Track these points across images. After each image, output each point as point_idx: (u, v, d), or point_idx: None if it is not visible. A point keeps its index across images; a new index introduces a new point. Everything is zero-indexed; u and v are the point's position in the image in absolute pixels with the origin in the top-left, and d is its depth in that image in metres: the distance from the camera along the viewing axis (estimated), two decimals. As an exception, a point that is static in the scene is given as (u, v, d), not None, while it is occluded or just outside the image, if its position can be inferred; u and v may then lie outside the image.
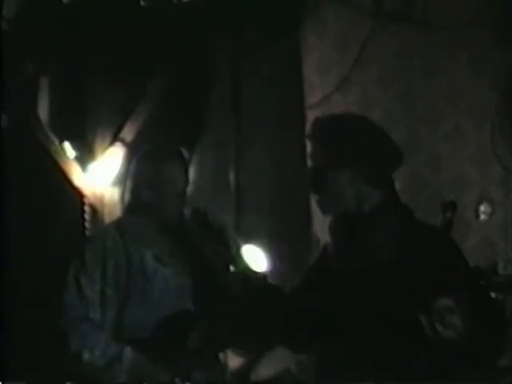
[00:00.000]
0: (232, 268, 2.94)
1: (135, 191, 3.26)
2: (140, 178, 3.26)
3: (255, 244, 3.77)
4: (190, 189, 3.31)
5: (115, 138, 4.92)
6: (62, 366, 3.16)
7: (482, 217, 4.89)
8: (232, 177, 5.20)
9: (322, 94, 5.20)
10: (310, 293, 2.71)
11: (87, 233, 4.65)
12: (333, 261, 2.70)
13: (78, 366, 3.06)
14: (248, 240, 3.62)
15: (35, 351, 3.93)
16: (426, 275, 2.42)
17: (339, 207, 2.66)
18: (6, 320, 3.51)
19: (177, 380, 3.05)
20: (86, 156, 4.84)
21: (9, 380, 3.02)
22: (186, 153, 3.32)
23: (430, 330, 2.33)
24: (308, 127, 2.75)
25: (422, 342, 2.43)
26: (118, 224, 3.29)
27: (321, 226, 4.68)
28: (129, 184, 3.29)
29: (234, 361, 3.82)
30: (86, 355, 3.04)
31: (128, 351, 3.06)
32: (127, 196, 3.30)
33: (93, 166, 4.85)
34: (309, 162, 2.73)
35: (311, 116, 5.03)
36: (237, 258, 2.91)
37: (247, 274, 2.83)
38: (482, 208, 4.90)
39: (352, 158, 2.61)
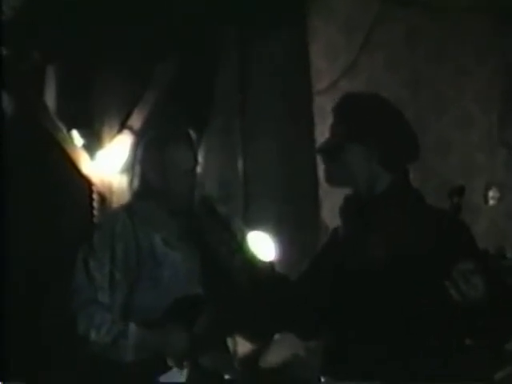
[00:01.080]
0: (238, 256, 2.94)
1: (143, 177, 3.27)
2: (147, 162, 3.26)
3: (263, 231, 3.77)
4: (198, 172, 3.32)
5: (123, 126, 4.92)
6: (70, 349, 3.17)
7: (491, 202, 4.89)
8: (240, 164, 5.20)
9: (329, 79, 5.20)
10: (318, 278, 2.72)
11: (96, 220, 4.65)
12: (342, 244, 2.71)
13: (86, 347, 3.07)
14: (256, 227, 3.62)
15: (35, 351, 3.92)
16: (438, 258, 2.42)
17: (346, 179, 2.68)
18: (6, 320, 3.51)
19: (185, 364, 3.07)
20: (94, 144, 4.84)
21: (9, 380, 3.02)
22: (193, 134, 3.33)
23: (455, 291, 2.33)
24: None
25: (434, 324, 2.45)
26: (127, 208, 3.30)
27: (329, 212, 4.68)
28: (137, 170, 3.30)
29: (242, 347, 3.83)
30: (93, 334, 3.05)
31: (133, 327, 3.06)
32: (135, 182, 3.30)
33: (101, 154, 4.85)
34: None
35: (318, 102, 5.03)
36: (243, 247, 2.91)
37: (253, 263, 2.83)
38: (491, 193, 4.90)
39: (370, 135, 2.63)
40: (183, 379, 3.05)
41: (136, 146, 3.57)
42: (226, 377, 3.13)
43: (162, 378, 3.03)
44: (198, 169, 3.33)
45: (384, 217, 2.61)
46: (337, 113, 2.72)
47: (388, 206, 2.62)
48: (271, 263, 2.83)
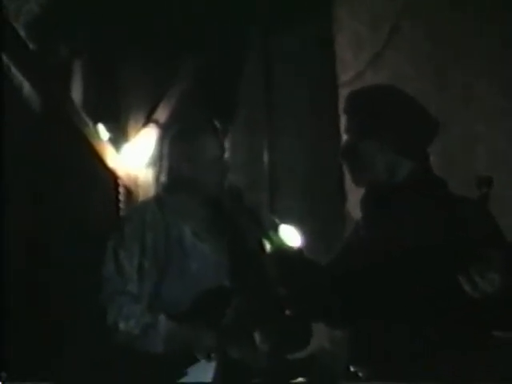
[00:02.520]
0: (266, 245, 2.95)
1: (171, 169, 3.27)
2: (176, 155, 3.27)
3: (289, 222, 3.78)
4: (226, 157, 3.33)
5: (148, 119, 4.95)
6: (100, 337, 3.19)
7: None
8: (266, 156, 5.21)
9: (354, 71, 5.18)
10: (342, 270, 2.72)
11: (122, 214, 4.67)
12: (365, 235, 2.71)
13: (115, 336, 3.07)
14: (282, 219, 3.63)
15: (35, 351, 3.94)
16: (459, 244, 2.40)
17: (369, 176, 2.67)
18: (6, 320, 3.52)
19: (212, 355, 3.08)
20: (119, 138, 4.87)
21: (9, 380, 3.03)
22: (217, 123, 3.34)
23: (469, 286, 2.30)
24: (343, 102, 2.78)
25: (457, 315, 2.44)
26: (157, 198, 3.30)
27: (355, 204, 4.67)
28: (164, 164, 3.30)
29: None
30: (122, 325, 3.05)
31: (162, 319, 3.07)
32: (163, 176, 3.31)
33: (127, 148, 4.87)
34: (343, 135, 2.75)
35: (344, 94, 5.02)
36: (271, 235, 2.92)
37: (283, 250, 2.84)
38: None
39: (381, 128, 2.63)
40: (211, 371, 3.06)
41: (162, 140, 3.59)
42: (254, 368, 3.14)
43: (191, 370, 3.05)
44: (226, 156, 3.34)
45: (404, 207, 2.60)
46: (346, 112, 2.72)
47: (408, 195, 2.61)
48: (300, 250, 2.84)
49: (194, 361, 3.06)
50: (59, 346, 3.89)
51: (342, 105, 4.91)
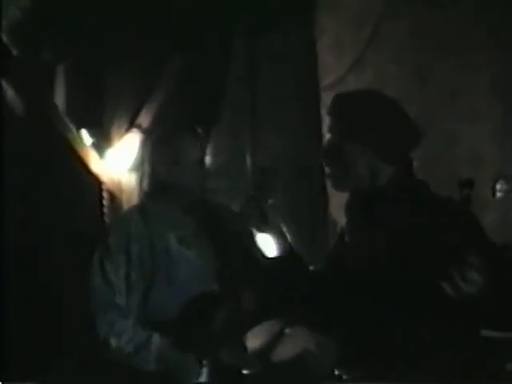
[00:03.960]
0: (255, 248, 2.96)
1: (154, 174, 3.28)
2: (156, 159, 3.28)
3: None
4: (208, 162, 3.33)
5: (132, 124, 4.94)
6: (89, 353, 3.19)
7: (499, 195, 4.85)
8: (248, 159, 5.21)
9: (336, 74, 5.19)
10: (332, 273, 2.73)
11: (106, 219, 4.68)
12: (350, 240, 2.72)
13: (106, 353, 3.09)
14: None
15: (35, 351, 3.94)
16: (443, 246, 2.42)
17: (351, 181, 2.69)
18: (6, 320, 3.52)
19: (204, 362, 3.08)
20: (103, 143, 4.86)
21: (9, 380, 3.03)
22: (198, 129, 3.35)
23: (451, 289, 2.33)
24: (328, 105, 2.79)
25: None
26: (141, 208, 3.31)
27: (337, 207, 4.68)
28: (146, 169, 3.31)
29: (253, 342, 3.84)
30: (114, 342, 3.07)
31: (156, 338, 3.08)
32: (146, 181, 3.31)
33: (110, 153, 4.87)
34: (326, 138, 2.77)
35: (326, 97, 5.03)
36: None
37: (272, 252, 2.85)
38: (499, 186, 4.86)
39: (364, 132, 2.64)
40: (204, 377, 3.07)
41: (144, 144, 3.58)
42: (245, 372, 3.15)
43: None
44: (207, 160, 3.35)
45: (388, 211, 2.61)
46: (331, 115, 2.74)
47: (391, 200, 2.62)
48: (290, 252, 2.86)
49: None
50: (59, 347, 3.89)
51: (324, 108, 4.98)
